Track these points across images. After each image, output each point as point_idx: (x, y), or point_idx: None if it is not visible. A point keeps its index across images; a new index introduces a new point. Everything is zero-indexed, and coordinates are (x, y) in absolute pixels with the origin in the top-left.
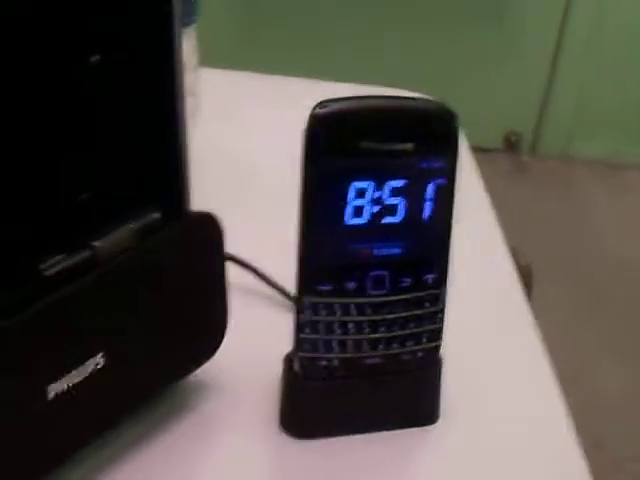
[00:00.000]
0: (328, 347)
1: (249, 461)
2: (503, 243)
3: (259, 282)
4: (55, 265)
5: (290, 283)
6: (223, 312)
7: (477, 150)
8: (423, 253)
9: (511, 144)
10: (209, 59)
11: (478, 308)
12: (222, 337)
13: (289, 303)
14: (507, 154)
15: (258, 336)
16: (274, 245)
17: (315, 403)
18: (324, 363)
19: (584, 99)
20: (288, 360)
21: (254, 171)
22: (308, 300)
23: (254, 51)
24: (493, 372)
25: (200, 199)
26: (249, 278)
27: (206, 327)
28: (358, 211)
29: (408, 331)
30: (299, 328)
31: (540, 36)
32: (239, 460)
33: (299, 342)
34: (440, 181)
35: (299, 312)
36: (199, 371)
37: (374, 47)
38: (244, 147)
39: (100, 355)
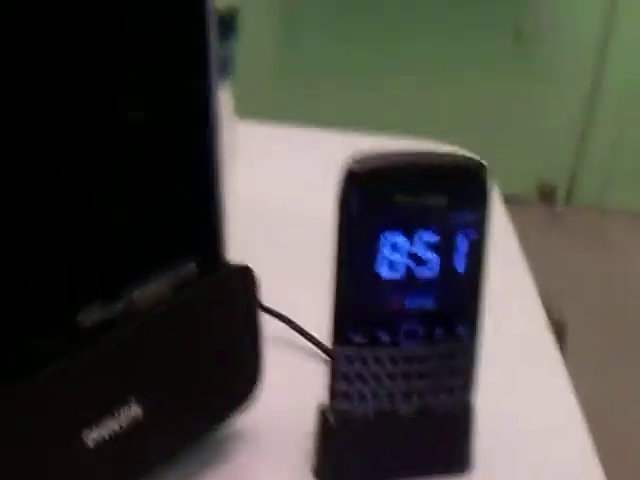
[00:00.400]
0: (362, 398)
1: None
2: (536, 294)
3: (293, 333)
4: (92, 316)
5: (324, 334)
6: (258, 362)
7: (511, 201)
8: (456, 305)
9: (545, 195)
10: (245, 111)
11: (510, 359)
12: (257, 387)
13: (323, 355)
14: (542, 205)
15: (292, 387)
16: (308, 296)
17: (348, 454)
18: (358, 414)
19: (619, 149)
20: (322, 411)
21: (289, 222)
22: (342, 351)
23: (290, 102)
24: (526, 422)
25: (236, 249)
26: (283, 329)
27: (241, 377)
28: (391, 264)
29: (441, 382)
30: (333, 379)
31: (574, 85)
32: None
33: (333, 393)
34: (472, 234)
35: (333, 363)
36: (233, 421)
37: (405, 97)
38: (279, 198)
39: (136, 405)
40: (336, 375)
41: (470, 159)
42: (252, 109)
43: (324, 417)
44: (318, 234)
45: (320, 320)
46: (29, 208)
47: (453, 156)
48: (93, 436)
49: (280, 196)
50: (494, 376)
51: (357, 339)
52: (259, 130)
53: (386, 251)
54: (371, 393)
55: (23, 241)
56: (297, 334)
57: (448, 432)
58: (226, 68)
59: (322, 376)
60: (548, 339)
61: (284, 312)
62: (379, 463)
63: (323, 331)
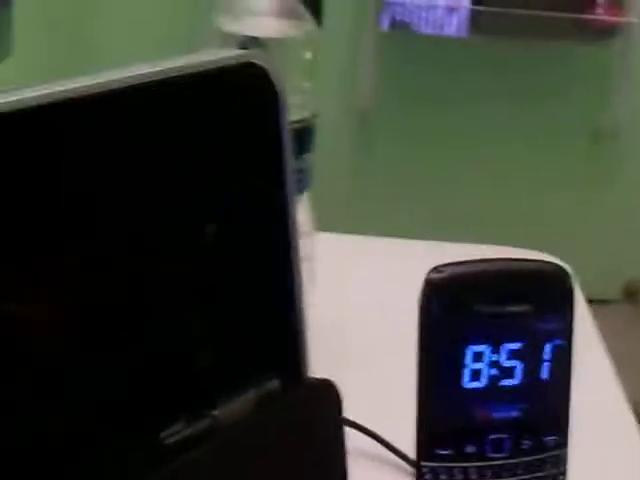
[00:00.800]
0: None
1: None
2: (624, 399)
3: (378, 447)
4: (176, 434)
5: (409, 447)
6: (343, 477)
7: (596, 302)
8: (543, 414)
9: (630, 294)
10: (324, 224)
11: (599, 468)
12: None
13: (410, 469)
14: (627, 305)
15: None
16: (392, 409)
17: None
18: None
19: None
20: None
21: (370, 336)
22: (427, 464)
23: (367, 214)
24: None
25: (317, 364)
26: (368, 443)
27: None
28: (476, 374)
29: None
30: None
31: None
32: None
33: None
34: (557, 341)
35: (419, 477)
36: None
37: (483, 203)
38: (359, 312)
39: None
40: None
41: (552, 264)
42: (330, 221)
43: None
44: (402, 347)
45: (406, 434)
46: (112, 326)
47: (535, 262)
48: None
49: (361, 312)
50: None
51: (443, 452)
52: (339, 241)
53: (469, 361)
54: None
55: (113, 361)
56: (383, 447)
57: None
58: (303, 181)
59: None
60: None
61: (370, 427)
62: None
63: (409, 445)
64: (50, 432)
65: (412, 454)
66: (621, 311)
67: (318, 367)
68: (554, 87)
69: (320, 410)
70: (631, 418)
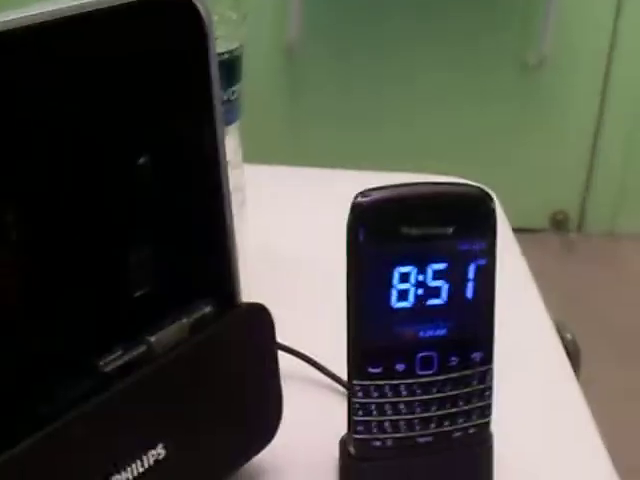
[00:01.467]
0: (381, 428)
1: None
2: (549, 319)
3: (310, 369)
4: (113, 361)
5: (340, 369)
6: (278, 398)
7: (525, 231)
8: (468, 332)
9: (558, 223)
10: (252, 156)
11: (525, 383)
12: (278, 424)
13: (341, 389)
14: (555, 233)
15: (313, 422)
16: (323, 334)
17: None
18: (378, 444)
19: (629, 174)
20: (343, 443)
21: (301, 261)
22: (359, 383)
23: (296, 146)
24: (544, 447)
25: (248, 292)
26: (300, 366)
27: (262, 415)
28: (403, 294)
29: (458, 409)
30: (352, 411)
31: (581, 112)
32: None
33: (353, 424)
34: (481, 261)
35: (351, 395)
36: (256, 459)
37: (409, 132)
38: (290, 240)
39: (161, 446)
40: (355, 407)
41: (474, 188)
42: (260, 153)
43: (346, 448)
44: (331, 272)
45: (336, 355)
46: (48, 257)
47: (458, 186)
48: (116, 477)
49: (291, 237)
50: (510, 401)
51: (374, 370)
52: (267, 172)
53: (396, 281)
54: (389, 422)
55: (44, 289)
56: (314, 370)
57: (467, 459)
58: (232, 112)
59: (342, 410)
60: (564, 362)
61: (302, 350)
62: None
63: (340, 366)
64: None
65: (344, 376)
66: (549, 240)
67: (248, 293)
68: (482, 23)
69: (253, 333)
70: (555, 336)
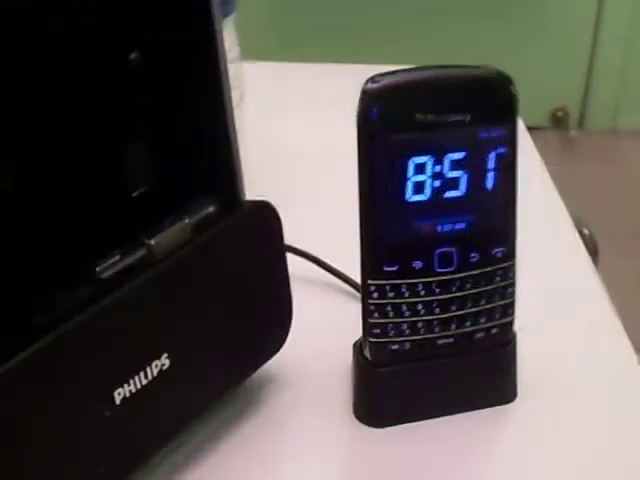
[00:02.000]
0: (398, 330)
1: (324, 452)
2: (567, 214)
3: (318, 271)
4: (111, 267)
5: (351, 270)
6: (287, 303)
7: (527, 129)
8: (489, 226)
9: (558, 120)
10: (249, 52)
11: (547, 279)
12: (288, 329)
13: (352, 291)
14: (555, 131)
15: (323, 328)
16: (331, 233)
17: (389, 389)
18: (395, 347)
19: (630, 71)
20: (358, 347)
21: (304, 159)
22: (374, 283)
23: (292, 44)
24: (567, 344)
25: (251, 190)
26: (308, 268)
27: (271, 319)
28: (419, 187)
29: (479, 308)
30: (367, 313)
31: (581, 8)
32: (314, 452)
33: (368, 327)
34: (501, 150)
35: (365, 296)
36: (264, 367)
37: (418, 29)
38: (292, 135)
39: (165, 356)
40: (370, 309)
41: (494, 71)
42: (255, 49)
43: (361, 353)
44: (338, 168)
45: (346, 257)
46: (45, 157)
47: (475, 69)
48: (122, 391)
49: (294, 134)
50: (532, 298)
51: (389, 269)
52: (266, 69)
53: (411, 173)
54: (407, 324)
55: (36, 190)
56: (323, 272)
57: (489, 360)
58: (228, 5)
59: (353, 313)
60: (584, 257)
61: (310, 251)
62: (420, 398)
63: (349, 267)
64: None
65: (355, 277)
66: (549, 138)
67: (251, 192)
68: None
69: (259, 233)
70: (572, 226)
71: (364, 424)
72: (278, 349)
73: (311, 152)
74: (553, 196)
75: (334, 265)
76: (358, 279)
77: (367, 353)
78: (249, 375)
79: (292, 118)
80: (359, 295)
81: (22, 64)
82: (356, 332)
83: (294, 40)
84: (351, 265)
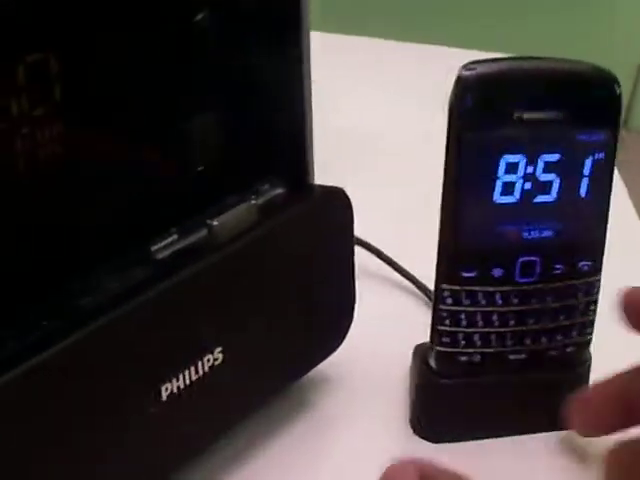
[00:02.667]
0: (469, 341)
1: (372, 459)
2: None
3: (385, 269)
4: (168, 247)
5: (418, 271)
6: (350, 300)
7: None
8: (578, 237)
9: None
10: (324, 24)
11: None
12: (348, 327)
13: (416, 291)
14: None
15: (384, 329)
16: (394, 224)
17: (452, 403)
18: (464, 359)
19: None
20: (421, 355)
21: (377, 143)
22: (449, 288)
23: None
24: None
25: (322, 174)
26: (373, 264)
27: (332, 316)
28: (508, 188)
29: (558, 324)
30: (437, 320)
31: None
32: (363, 461)
33: (437, 335)
34: (599, 155)
35: (438, 302)
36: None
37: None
38: (366, 117)
39: (218, 350)
40: (441, 315)
41: (599, 69)
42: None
43: (425, 362)
44: (415, 157)
45: (419, 257)
46: (100, 121)
47: (580, 65)
48: (170, 386)
49: (370, 115)
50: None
51: (468, 275)
52: (342, 42)
53: (501, 172)
54: (479, 335)
55: (89, 158)
56: (389, 269)
57: (560, 381)
58: None
59: (415, 315)
60: None
61: (379, 247)
62: (484, 416)
63: (418, 267)
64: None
65: (423, 279)
66: None
67: (322, 177)
68: None
69: (329, 221)
70: None
71: (419, 436)
72: (336, 347)
73: (389, 139)
74: (623, 196)
75: (400, 262)
76: (417, 276)
77: (432, 362)
78: (304, 374)
79: (366, 96)
80: (420, 294)
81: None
82: (415, 336)
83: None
84: (419, 265)
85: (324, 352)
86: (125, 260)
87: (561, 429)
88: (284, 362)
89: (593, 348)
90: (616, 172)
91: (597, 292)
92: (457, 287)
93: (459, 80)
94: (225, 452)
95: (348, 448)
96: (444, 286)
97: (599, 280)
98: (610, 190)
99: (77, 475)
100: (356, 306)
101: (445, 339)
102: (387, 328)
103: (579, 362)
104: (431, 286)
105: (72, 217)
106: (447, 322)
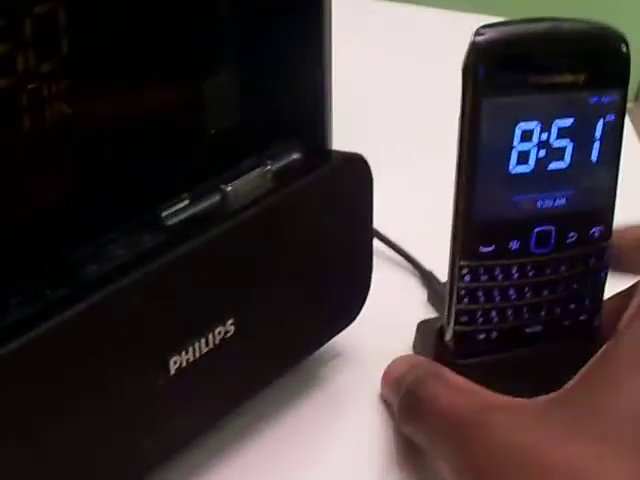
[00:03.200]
0: (486, 317)
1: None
2: None
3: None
4: (178, 213)
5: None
6: (367, 272)
7: None
8: (590, 203)
9: None
10: None
11: None
12: (364, 301)
13: (399, 258)
14: None
15: (389, 302)
16: (398, 201)
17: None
18: (482, 337)
19: None
20: (436, 334)
21: (393, 114)
22: (468, 264)
23: None
24: None
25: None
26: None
27: (349, 289)
28: (523, 157)
29: (571, 292)
30: (455, 299)
31: None
32: (370, 438)
33: (454, 315)
34: (610, 117)
35: (455, 280)
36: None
37: None
38: (380, 84)
39: (230, 322)
40: (460, 294)
41: (607, 28)
42: None
43: (441, 343)
44: (431, 128)
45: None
46: (107, 75)
47: (590, 25)
48: (179, 359)
49: (385, 81)
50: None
51: (486, 249)
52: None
53: (517, 141)
54: (497, 310)
55: (95, 114)
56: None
57: (575, 351)
58: None
59: (415, 291)
60: None
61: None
62: (500, 392)
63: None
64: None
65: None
66: None
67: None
68: None
69: (349, 191)
70: None
71: None
72: (351, 321)
73: (402, 106)
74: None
75: (397, 240)
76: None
77: (449, 343)
78: (317, 349)
79: (382, 63)
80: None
81: None
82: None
83: None
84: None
85: (339, 326)
86: (133, 226)
87: None
88: (298, 336)
89: None
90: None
91: (608, 258)
92: (475, 262)
93: (472, 46)
94: (234, 426)
95: (354, 425)
96: (462, 263)
97: (609, 246)
98: (620, 153)
99: (82, 447)
100: None
101: (463, 318)
102: (383, 302)
103: (593, 329)
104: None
105: (78, 179)
106: (466, 300)
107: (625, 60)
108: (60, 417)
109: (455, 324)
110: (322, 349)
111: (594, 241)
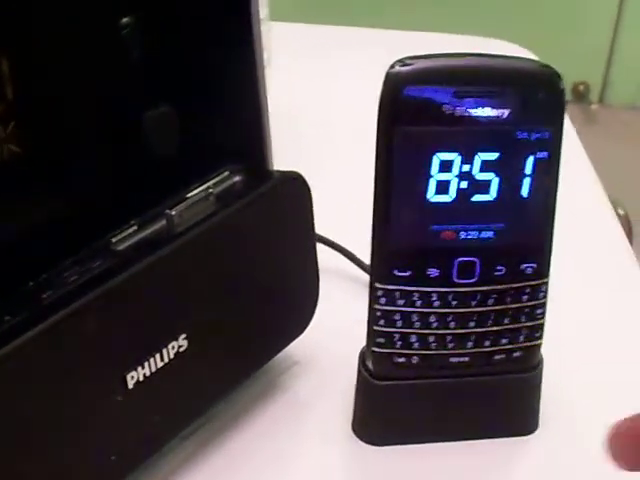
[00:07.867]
0: (406, 342)
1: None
2: (604, 194)
3: (338, 258)
4: (128, 238)
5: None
6: (314, 283)
7: None
8: (521, 238)
9: (580, 94)
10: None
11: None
12: (314, 310)
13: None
14: (576, 104)
15: (339, 311)
16: (350, 214)
17: (388, 406)
18: (400, 360)
19: None
20: (362, 356)
21: (330, 130)
22: (382, 287)
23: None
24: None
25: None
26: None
27: (297, 300)
28: (443, 187)
29: (502, 327)
30: (372, 320)
31: None
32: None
33: (372, 336)
34: (542, 154)
35: (372, 301)
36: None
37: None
38: (319, 102)
39: (182, 337)
40: (375, 315)
41: (538, 63)
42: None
43: (363, 363)
44: (364, 140)
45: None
46: (54, 115)
47: (520, 60)
48: (136, 374)
49: (320, 102)
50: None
51: (401, 274)
52: (295, 30)
53: (435, 171)
54: (417, 336)
55: (45, 152)
56: (343, 258)
57: (509, 386)
58: None
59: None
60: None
61: (330, 234)
62: (426, 420)
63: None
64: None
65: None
66: (570, 111)
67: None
68: None
69: (288, 207)
70: (609, 207)
71: (360, 440)
72: (301, 331)
73: (339, 124)
74: (590, 175)
75: (348, 248)
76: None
77: (370, 363)
78: (270, 359)
79: (319, 84)
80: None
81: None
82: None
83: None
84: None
85: (289, 336)
86: (86, 253)
87: (511, 435)
88: (250, 347)
89: (550, 350)
90: (585, 161)
91: (544, 296)
92: (390, 286)
93: (389, 76)
94: (197, 437)
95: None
96: (377, 285)
97: (546, 283)
98: (555, 190)
99: (46, 463)
100: None
101: (380, 340)
102: (342, 313)
103: (528, 367)
104: None
105: (32, 213)
106: (381, 322)
107: (558, 99)
108: (23, 435)
109: (373, 345)
110: (280, 358)
111: (526, 277)
